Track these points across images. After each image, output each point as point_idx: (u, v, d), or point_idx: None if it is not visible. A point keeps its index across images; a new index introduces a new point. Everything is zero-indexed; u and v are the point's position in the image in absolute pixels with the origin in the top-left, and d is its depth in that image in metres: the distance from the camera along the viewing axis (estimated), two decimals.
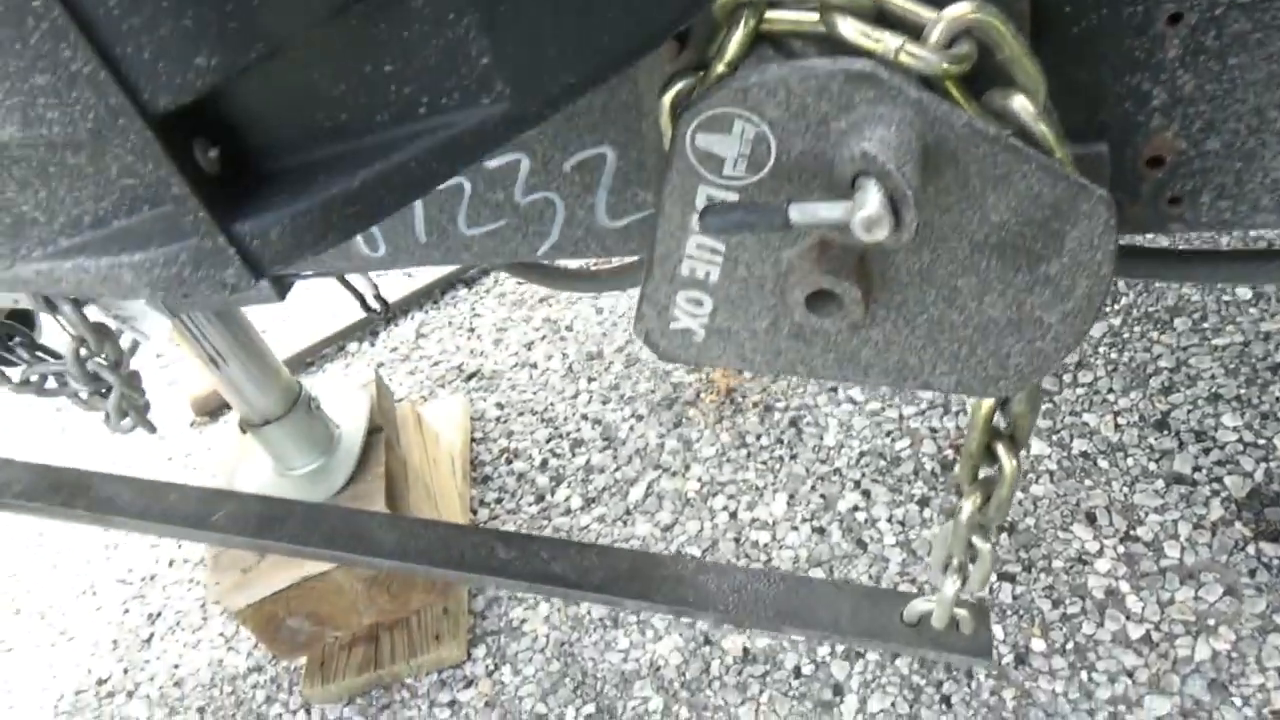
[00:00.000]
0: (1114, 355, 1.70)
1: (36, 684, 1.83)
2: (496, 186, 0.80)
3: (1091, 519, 1.48)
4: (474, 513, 1.83)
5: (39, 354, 1.34)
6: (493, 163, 0.78)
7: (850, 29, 0.53)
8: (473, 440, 1.99)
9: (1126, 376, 1.65)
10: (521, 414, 2.02)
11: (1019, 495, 1.54)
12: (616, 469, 1.83)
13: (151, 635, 1.85)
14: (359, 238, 0.89)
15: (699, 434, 1.83)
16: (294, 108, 0.43)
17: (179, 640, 1.82)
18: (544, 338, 2.20)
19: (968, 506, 0.83)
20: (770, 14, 0.55)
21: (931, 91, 0.53)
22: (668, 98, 0.59)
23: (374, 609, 1.58)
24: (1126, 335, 1.72)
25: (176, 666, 1.77)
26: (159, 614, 1.88)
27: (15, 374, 1.34)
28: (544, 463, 1.89)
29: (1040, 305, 0.62)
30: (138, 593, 1.94)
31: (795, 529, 1.62)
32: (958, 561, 0.89)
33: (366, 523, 1.12)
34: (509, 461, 1.92)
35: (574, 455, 1.89)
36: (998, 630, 1.39)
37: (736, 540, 1.63)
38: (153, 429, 1.29)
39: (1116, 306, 1.78)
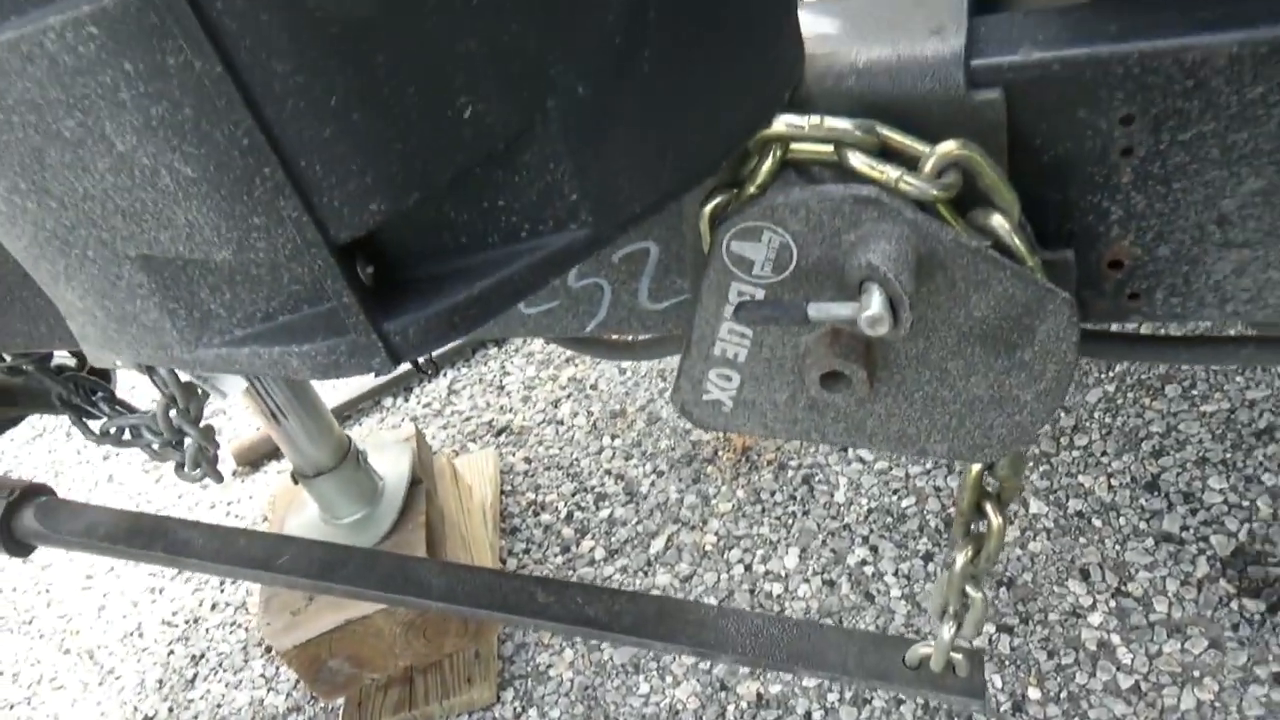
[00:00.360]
0: (1108, 420, 1.81)
1: None
2: None
3: (1085, 575, 1.58)
4: (503, 562, 1.94)
5: (118, 407, 1.47)
6: None
7: (859, 161, 0.66)
8: (502, 493, 2.10)
9: (1120, 440, 1.76)
10: (548, 468, 2.14)
11: (1018, 551, 1.64)
12: (638, 522, 1.93)
13: (195, 675, 1.95)
14: None
15: (716, 490, 1.94)
16: (429, 233, 0.56)
17: (221, 680, 1.92)
18: (570, 396, 2.32)
19: (960, 559, 0.94)
20: (795, 146, 0.68)
21: (925, 212, 0.66)
22: (708, 209, 0.72)
23: (410, 652, 1.68)
24: (1120, 401, 1.83)
25: (219, 706, 1.86)
26: (202, 655, 1.98)
27: (96, 426, 1.47)
28: (569, 515, 2.00)
29: (1017, 385, 0.74)
30: (182, 634, 2.04)
31: (807, 581, 1.72)
32: (953, 609, 1.00)
33: (417, 568, 1.23)
34: (536, 514, 2.03)
35: (598, 509, 2.00)
36: (996, 679, 1.48)
37: (751, 591, 1.73)
38: (220, 478, 1.41)
39: (1111, 374, 1.89)
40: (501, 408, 2.36)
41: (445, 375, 2.54)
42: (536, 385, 2.39)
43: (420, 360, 1.46)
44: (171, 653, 2.01)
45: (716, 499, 1.92)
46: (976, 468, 0.87)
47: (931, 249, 0.66)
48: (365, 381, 2.53)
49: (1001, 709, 1.44)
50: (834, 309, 0.65)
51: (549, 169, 0.55)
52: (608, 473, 2.07)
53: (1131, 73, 0.65)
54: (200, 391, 1.28)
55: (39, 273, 0.65)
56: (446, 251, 0.57)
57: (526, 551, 1.95)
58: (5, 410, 1.56)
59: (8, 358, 1.36)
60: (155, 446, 1.44)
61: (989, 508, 0.89)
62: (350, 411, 2.50)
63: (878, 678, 1.08)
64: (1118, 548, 1.60)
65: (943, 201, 0.66)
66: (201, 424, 1.35)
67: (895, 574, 1.68)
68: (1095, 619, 1.52)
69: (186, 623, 2.07)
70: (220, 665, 1.95)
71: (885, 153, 0.66)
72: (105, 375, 1.51)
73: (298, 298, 0.57)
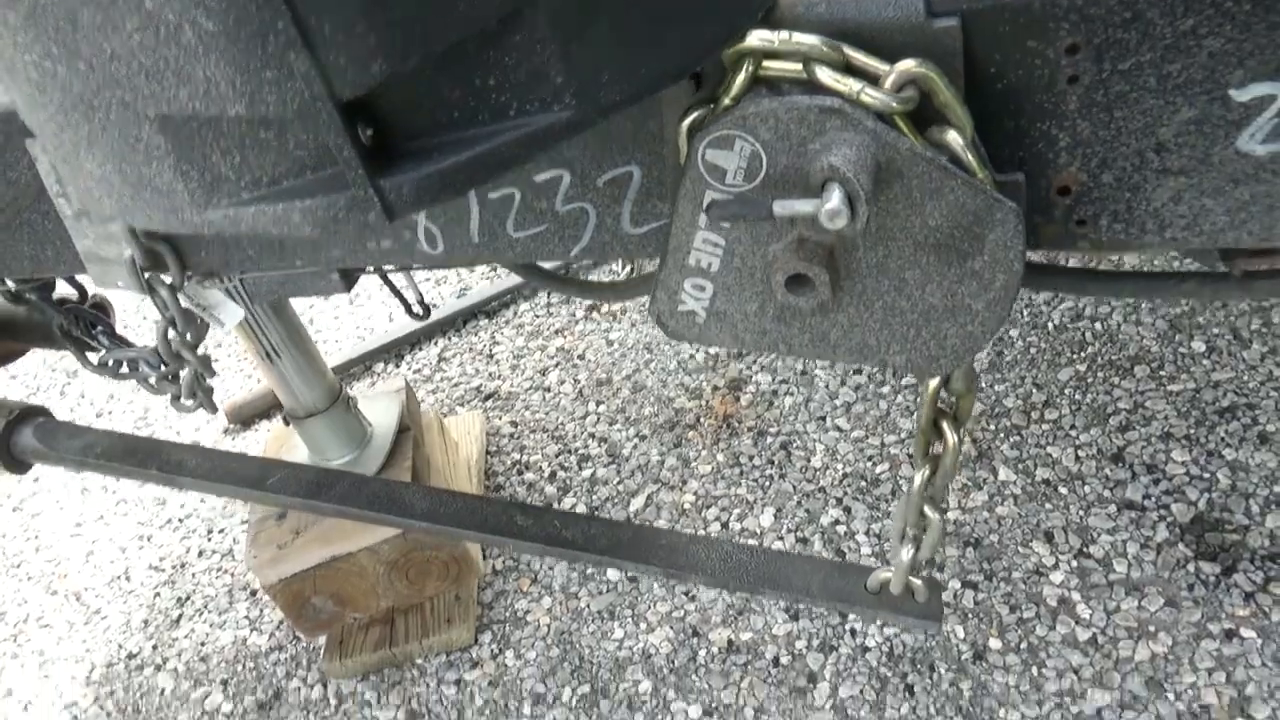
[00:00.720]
0: (1078, 397, 1.86)
1: (70, 656, 1.97)
2: (541, 196, 0.98)
3: (1049, 537, 1.63)
4: None
5: (117, 341, 1.51)
6: (540, 176, 0.96)
7: (825, 75, 0.71)
8: (488, 453, 2.15)
9: (1088, 415, 1.82)
10: (534, 431, 2.18)
11: (985, 515, 1.70)
12: (619, 482, 1.98)
13: (180, 616, 1.99)
14: (421, 237, 1.06)
15: (697, 454, 1.99)
16: (423, 107, 0.61)
17: (206, 621, 1.96)
18: (558, 365, 2.37)
19: (918, 478, 0.99)
20: (766, 63, 0.74)
21: (885, 124, 0.72)
22: (686, 123, 0.78)
23: (392, 593, 1.73)
24: (1090, 380, 1.89)
25: (203, 644, 1.91)
26: (188, 597, 2.02)
27: (94, 358, 1.52)
28: (552, 474, 2.05)
29: (969, 294, 0.79)
30: (169, 579, 2.09)
31: (781, 539, 1.77)
32: (911, 532, 1.05)
33: (402, 491, 1.28)
34: (520, 473, 2.08)
35: (580, 469, 2.04)
36: (959, 630, 1.53)
37: None
38: (214, 409, 1.45)
39: (1083, 354, 1.95)
40: (490, 375, 2.41)
41: (436, 344, 2.58)
42: (525, 355, 2.44)
43: (411, 303, 1.51)
44: (158, 595, 2.05)
45: (696, 462, 1.98)
46: (933, 384, 0.93)
47: (890, 157, 0.72)
48: (358, 346, 2.57)
49: (963, 658, 1.50)
50: (797, 205, 0.70)
51: (536, 51, 0.60)
52: (591, 436, 2.12)
53: (1075, 5, 0.71)
54: (199, 321, 1.32)
55: (62, 143, 0.70)
56: (440, 126, 0.62)
57: None
58: (7, 344, 1.60)
59: (11, 284, 1.40)
60: (152, 380, 1.49)
61: (945, 426, 0.95)
62: (341, 375, 2.54)
63: (840, 600, 1.13)
64: (1081, 513, 1.66)
65: (901, 115, 0.72)
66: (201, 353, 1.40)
67: (867, 533, 1.73)
68: (1057, 577, 1.57)
69: (173, 568, 2.11)
70: (205, 607, 1.99)
71: (849, 69, 0.72)
72: (104, 310, 1.55)
73: (301, 163, 0.62)
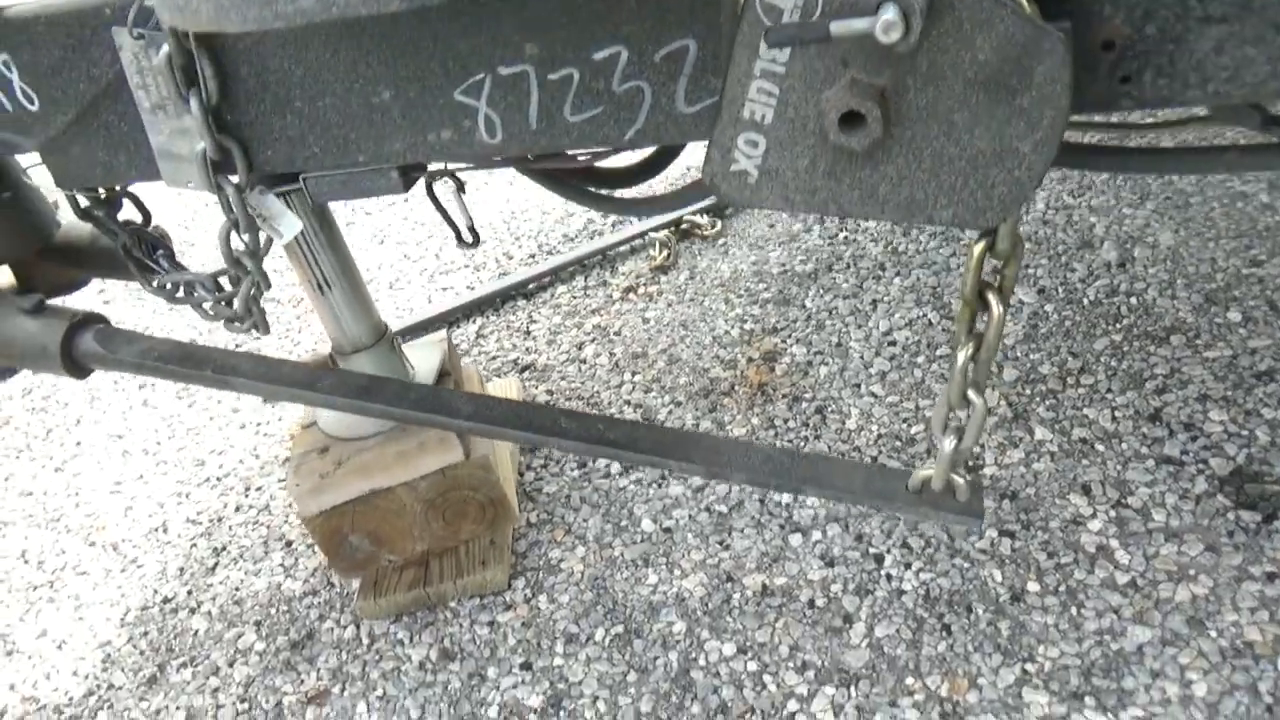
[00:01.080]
0: (1114, 364, 1.87)
1: (106, 600, 1.99)
2: (599, 76, 1.02)
3: (1087, 490, 1.63)
4: (520, 475, 2.00)
5: (176, 265, 1.56)
6: (598, 54, 1.00)
7: None
8: None
9: (1124, 380, 1.82)
10: (569, 399, 2.21)
11: (1021, 470, 1.70)
12: None
13: (215, 564, 2.01)
14: (481, 124, 1.10)
15: (731, 418, 2.01)
16: None
17: (241, 570, 1.98)
18: (593, 340, 2.40)
19: (961, 356, 1.00)
20: None
21: None
22: None
23: (428, 534, 1.75)
24: (1126, 349, 1.89)
25: (237, 589, 1.93)
26: (224, 548, 2.05)
27: (154, 281, 1.57)
28: None
29: (1017, 135, 0.81)
30: (205, 531, 2.11)
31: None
32: (954, 420, 1.06)
33: (449, 396, 1.31)
34: None
35: None
36: (996, 574, 1.52)
37: (761, 501, 1.79)
38: (268, 329, 1.49)
39: (1118, 326, 1.95)
40: (527, 349, 2.45)
41: (474, 322, 2.63)
42: (561, 331, 2.48)
43: (462, 229, 1.54)
44: (194, 545, 2.08)
45: (731, 425, 1.99)
46: (979, 248, 0.95)
47: None
48: (395, 325, 2.62)
49: (1000, 600, 1.49)
50: (854, 23, 0.74)
51: None
52: (627, 403, 2.14)
53: None
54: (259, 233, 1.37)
55: None
56: None
57: (544, 466, 2.02)
58: (71, 270, 1.66)
59: (83, 200, 1.45)
60: (207, 307, 1.53)
61: (990, 297, 0.96)
62: None
63: (882, 499, 1.14)
64: (1119, 468, 1.65)
65: None
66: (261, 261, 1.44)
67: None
68: (1095, 525, 1.56)
69: (210, 521, 2.14)
70: (240, 556, 2.01)
71: None
72: (164, 236, 1.60)
73: None
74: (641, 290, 2.53)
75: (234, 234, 1.35)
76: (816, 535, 1.69)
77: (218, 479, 2.26)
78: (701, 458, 1.19)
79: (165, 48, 1.10)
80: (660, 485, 1.89)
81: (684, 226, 2.68)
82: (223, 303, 1.51)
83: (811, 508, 1.74)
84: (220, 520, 2.14)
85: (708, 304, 2.40)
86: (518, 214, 3.12)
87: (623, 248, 2.72)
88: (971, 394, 1.04)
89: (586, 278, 2.65)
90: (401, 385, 1.32)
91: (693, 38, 0.98)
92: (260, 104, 1.17)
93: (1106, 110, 0.90)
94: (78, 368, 1.40)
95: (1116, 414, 1.76)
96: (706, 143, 0.92)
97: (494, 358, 2.45)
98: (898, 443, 1.83)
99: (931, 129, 0.83)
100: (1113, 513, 1.58)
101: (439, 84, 1.08)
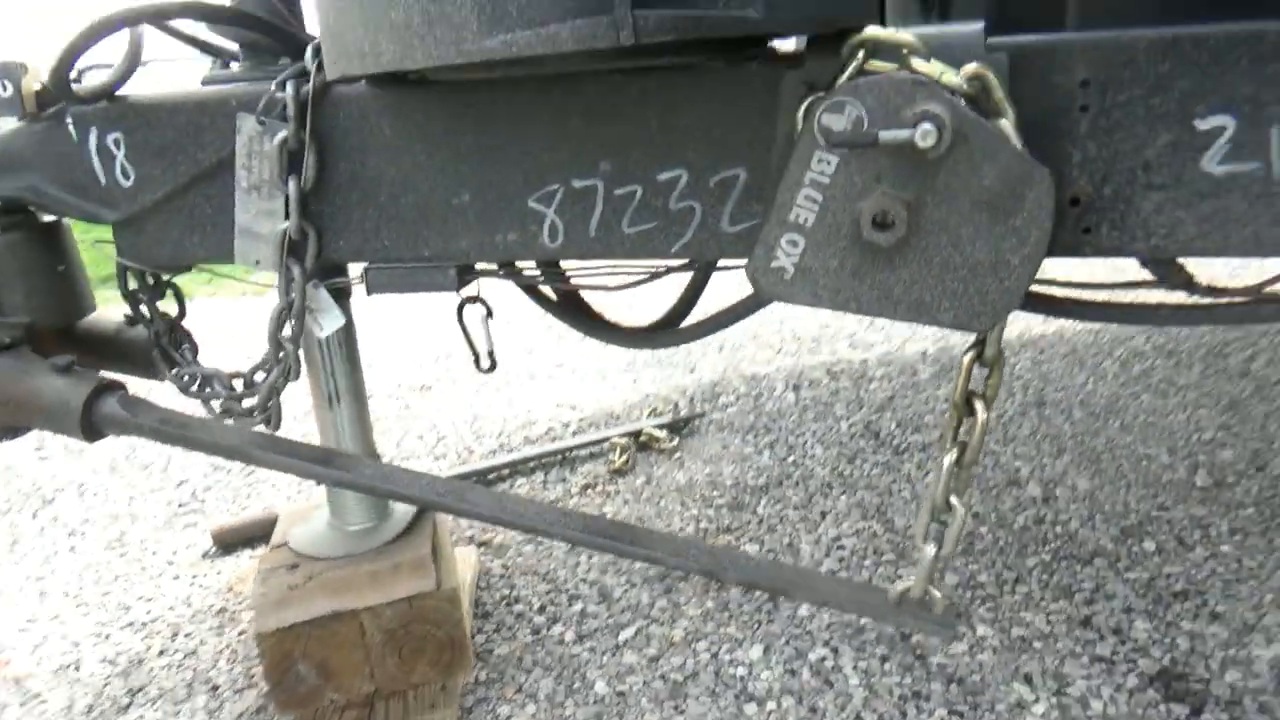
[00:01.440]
0: (1045, 577, 2.01)
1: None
2: (659, 195, 1.22)
3: (1029, 679, 1.71)
4: (472, 637, 1.98)
5: (197, 361, 1.65)
6: (663, 175, 1.21)
7: (916, 62, 1.00)
8: (478, 588, 2.17)
9: (1055, 591, 1.96)
10: (525, 574, 2.23)
11: (967, 659, 1.78)
12: (609, 616, 2.02)
13: (129, 704, 1.88)
14: (545, 230, 1.28)
15: (687, 599, 2.06)
16: None
17: (159, 711, 1.85)
18: None
19: (947, 460, 1.15)
20: (871, 63, 1.02)
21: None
22: (807, 102, 1.05)
23: (381, 671, 1.70)
24: (1055, 567, 2.05)
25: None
26: (142, 688, 1.92)
27: (172, 371, 1.64)
28: (542, 608, 2.08)
29: (1009, 250, 1.02)
30: (122, 671, 1.98)
31: (770, 669, 1.81)
32: (934, 525, 1.18)
33: (464, 487, 1.38)
34: (509, 605, 2.10)
35: (570, 605, 2.08)
36: None
37: (716, 674, 1.81)
38: (279, 423, 1.56)
39: (1047, 547, 2.12)
40: (484, 527, 2.48)
41: None
42: None
43: (482, 355, 1.66)
44: (108, 684, 1.95)
45: (686, 605, 2.03)
46: (969, 356, 1.12)
47: (960, 120, 0.99)
48: None
49: None
50: (898, 134, 0.96)
51: None
52: (583, 580, 2.18)
53: (1088, 48, 1.03)
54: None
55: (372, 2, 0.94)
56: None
57: (496, 631, 2.01)
58: (84, 357, 1.71)
59: (133, 283, 1.55)
60: (215, 407, 1.61)
61: (977, 403, 1.13)
62: None
63: (864, 609, 1.23)
64: (1056, 663, 1.75)
65: (969, 96, 1.00)
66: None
67: (854, 668, 1.78)
68: (1039, 709, 1.63)
69: (130, 662, 2.02)
70: (160, 697, 1.89)
71: None
72: (189, 334, 1.69)
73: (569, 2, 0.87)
74: (599, 489, 2.62)
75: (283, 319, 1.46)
76: (771, 705, 1.71)
77: (143, 624, 2.16)
78: (700, 563, 1.27)
79: (282, 133, 1.28)
80: (614, 654, 1.89)
81: (643, 439, 2.84)
82: (236, 398, 1.58)
83: (767, 681, 1.77)
84: (140, 662, 2.02)
85: (663, 505, 2.50)
86: (480, 416, 3.24)
87: (582, 451, 2.84)
88: (954, 499, 1.18)
89: (546, 474, 2.74)
90: (420, 478, 1.39)
91: (744, 167, 1.19)
92: (347, 196, 1.33)
93: (1071, 255, 1.13)
94: (93, 430, 1.43)
95: (1051, 618, 1.88)
96: (753, 243, 1.11)
97: (451, 532, 2.46)
98: (849, 630, 1.90)
99: (942, 239, 1.04)
100: (1055, 699, 1.65)
101: (516, 190, 1.26)
